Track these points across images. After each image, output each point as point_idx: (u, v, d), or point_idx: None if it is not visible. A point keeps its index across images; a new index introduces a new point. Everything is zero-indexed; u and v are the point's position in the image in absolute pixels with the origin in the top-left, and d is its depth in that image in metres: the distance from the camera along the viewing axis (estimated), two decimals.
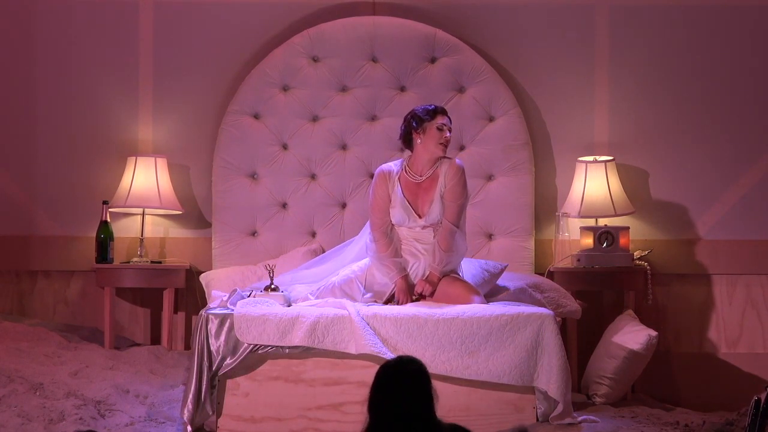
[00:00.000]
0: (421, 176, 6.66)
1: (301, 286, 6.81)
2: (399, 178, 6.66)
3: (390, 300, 6.63)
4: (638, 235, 7.63)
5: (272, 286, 6.57)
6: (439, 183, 6.63)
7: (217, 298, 6.64)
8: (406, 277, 6.61)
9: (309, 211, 7.57)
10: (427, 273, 6.61)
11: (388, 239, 6.62)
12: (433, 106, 6.71)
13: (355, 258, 6.87)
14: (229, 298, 6.46)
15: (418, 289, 6.56)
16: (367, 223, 6.84)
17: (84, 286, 7.64)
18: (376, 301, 6.60)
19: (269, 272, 6.62)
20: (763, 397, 4.98)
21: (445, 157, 6.67)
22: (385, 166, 6.74)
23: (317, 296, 6.62)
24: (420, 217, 6.63)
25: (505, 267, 6.99)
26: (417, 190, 6.66)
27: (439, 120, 6.63)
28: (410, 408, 4.22)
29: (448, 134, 6.64)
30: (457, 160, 6.71)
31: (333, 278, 6.70)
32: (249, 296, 6.46)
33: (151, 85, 7.70)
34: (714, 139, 7.74)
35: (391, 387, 4.25)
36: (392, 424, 4.21)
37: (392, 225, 6.66)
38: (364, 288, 6.63)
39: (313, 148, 7.59)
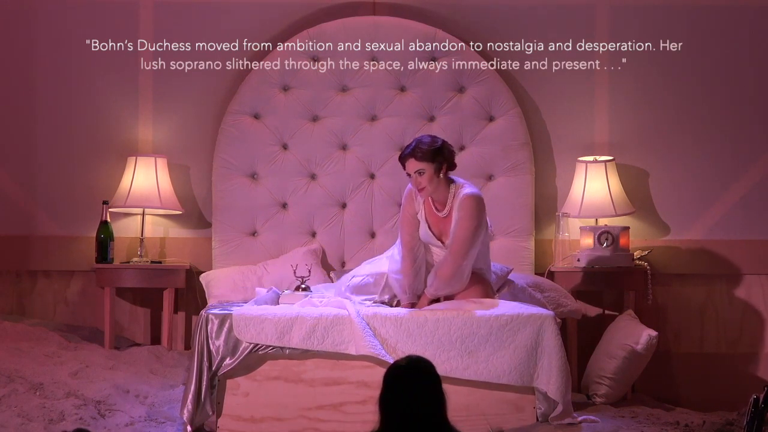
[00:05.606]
0: (439, 210, 6.46)
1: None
2: (424, 202, 6.49)
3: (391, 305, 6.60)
4: (638, 235, 7.64)
5: (303, 286, 6.61)
6: (454, 216, 6.45)
7: (258, 294, 6.73)
8: (414, 303, 6.54)
9: (309, 211, 7.56)
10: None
11: (412, 258, 6.49)
12: (402, 150, 6.45)
13: None
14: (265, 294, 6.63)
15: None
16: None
17: (84, 286, 7.65)
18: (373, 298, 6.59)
19: (297, 277, 6.67)
20: (761, 396, 4.98)
21: (461, 188, 6.45)
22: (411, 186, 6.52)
23: (326, 304, 6.54)
24: (442, 243, 6.49)
25: (511, 270, 6.98)
26: (438, 219, 6.50)
27: (405, 168, 6.42)
28: (421, 409, 4.20)
29: (420, 182, 6.37)
30: (468, 192, 6.41)
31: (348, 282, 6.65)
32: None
33: (151, 85, 7.70)
34: (714, 139, 7.74)
35: (402, 387, 4.23)
36: (404, 424, 4.19)
37: (420, 243, 6.51)
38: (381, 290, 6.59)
39: (313, 148, 7.59)
